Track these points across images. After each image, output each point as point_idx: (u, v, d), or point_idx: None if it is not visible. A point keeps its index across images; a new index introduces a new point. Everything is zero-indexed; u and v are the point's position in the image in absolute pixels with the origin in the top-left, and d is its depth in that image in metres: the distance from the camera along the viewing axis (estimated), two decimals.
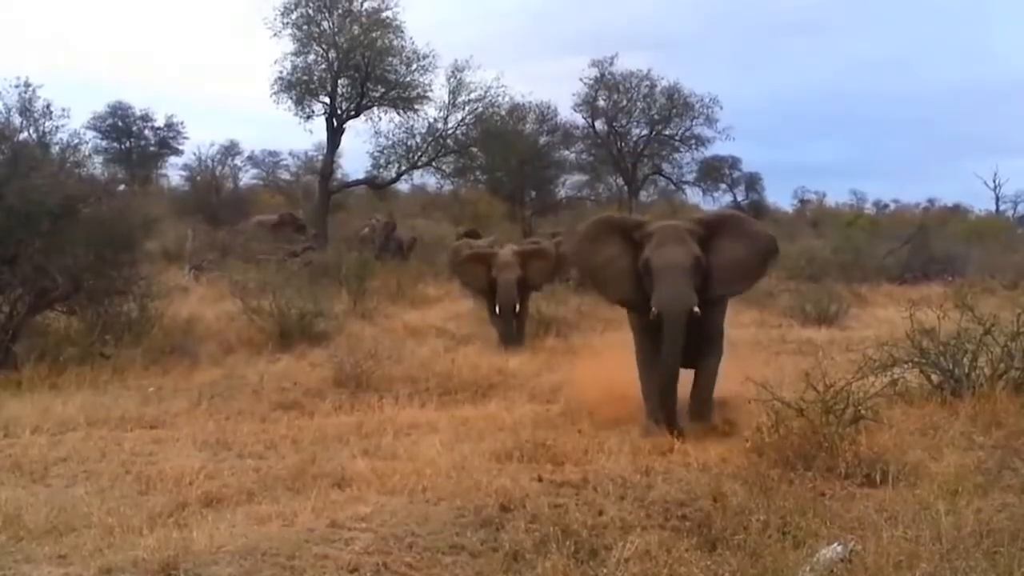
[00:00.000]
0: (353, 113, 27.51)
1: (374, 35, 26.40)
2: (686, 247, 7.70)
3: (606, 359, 9.40)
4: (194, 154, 34.25)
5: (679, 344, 7.49)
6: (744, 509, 5.37)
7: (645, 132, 34.84)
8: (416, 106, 27.74)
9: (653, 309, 7.51)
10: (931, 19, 73.58)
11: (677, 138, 34.91)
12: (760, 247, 8.16)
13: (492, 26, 66.85)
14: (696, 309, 7.43)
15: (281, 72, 26.66)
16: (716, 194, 38.98)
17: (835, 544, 4.81)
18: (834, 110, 70.75)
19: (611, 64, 33.73)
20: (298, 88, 26.75)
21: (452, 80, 28.03)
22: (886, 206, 46.57)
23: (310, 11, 26.47)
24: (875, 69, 72.58)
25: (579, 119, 34.83)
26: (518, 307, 13.30)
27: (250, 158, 37.21)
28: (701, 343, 7.84)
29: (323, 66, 26.76)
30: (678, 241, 7.76)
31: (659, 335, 7.65)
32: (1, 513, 5.44)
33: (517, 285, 13.26)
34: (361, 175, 30.22)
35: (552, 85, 72.36)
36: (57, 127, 25.21)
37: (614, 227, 8.31)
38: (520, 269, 13.40)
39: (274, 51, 44.38)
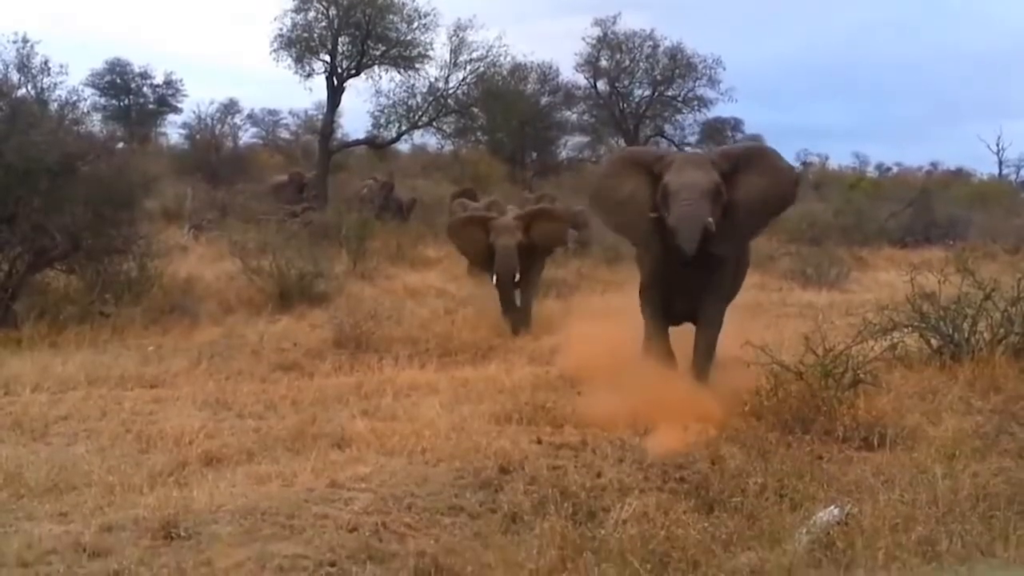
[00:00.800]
0: (353, 72, 27.24)
1: None
2: (706, 171, 7.40)
3: (599, 324, 9.35)
4: (193, 112, 33.90)
5: (687, 262, 7.17)
6: (742, 472, 5.41)
7: (647, 93, 34.53)
8: (417, 65, 27.46)
9: (668, 224, 7.18)
10: None
11: (680, 99, 34.62)
12: (784, 185, 7.87)
13: None
14: (710, 223, 7.10)
15: (281, 29, 26.36)
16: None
17: (832, 507, 4.84)
18: (837, 73, 70.17)
19: (614, 23, 33.39)
20: (298, 46, 26.47)
21: (454, 39, 27.73)
22: (888, 169, 46.34)
23: None
24: (877, 32, 71.92)
25: (581, 79, 34.54)
26: (518, 276, 11.50)
27: (250, 117, 36.88)
28: (709, 292, 7.71)
29: (323, 23, 26.45)
30: (698, 166, 7.53)
31: (669, 281, 7.67)
32: (2, 471, 5.48)
33: (518, 252, 11.44)
34: (361, 135, 30.01)
35: (554, 45, 71.73)
36: (55, 84, 24.96)
37: (635, 161, 8.01)
38: (521, 233, 11.59)
39: (274, 7, 43.93)
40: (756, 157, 7.88)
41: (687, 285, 7.62)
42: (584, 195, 13.29)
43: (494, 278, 11.66)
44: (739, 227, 7.57)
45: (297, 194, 25.12)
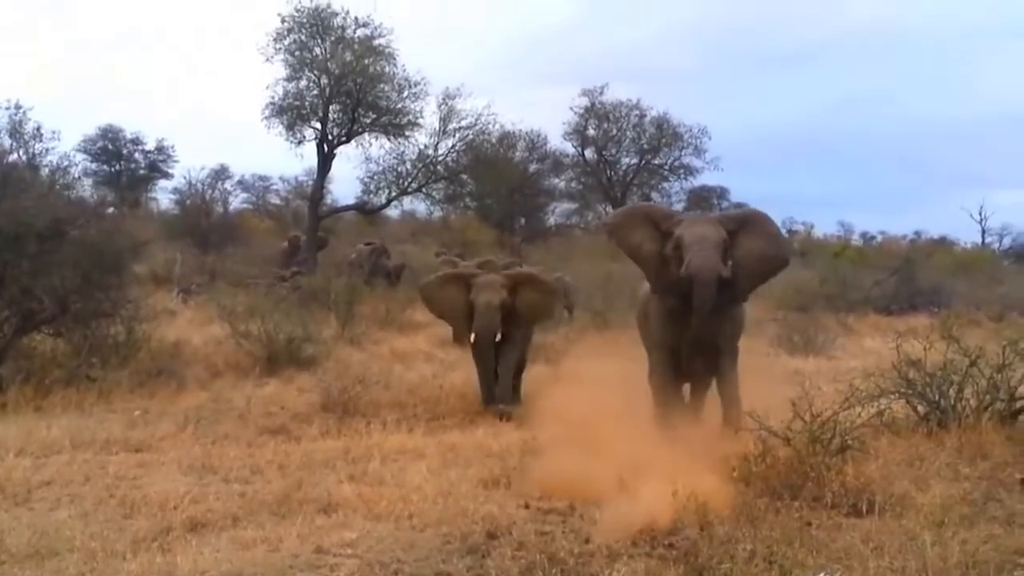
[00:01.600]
0: (344, 139, 27.61)
1: (366, 62, 26.55)
2: (715, 228, 8.05)
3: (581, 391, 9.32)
4: (184, 178, 34.30)
5: (706, 309, 7.68)
6: (730, 538, 5.37)
7: (634, 161, 35.11)
8: (407, 132, 27.87)
9: (684, 274, 7.71)
10: (913, 56, 74.44)
11: (666, 167, 35.19)
12: (781, 247, 8.56)
13: (483, 55, 67.28)
14: (725, 270, 7.74)
15: (273, 97, 26.79)
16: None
17: (821, 574, 4.81)
18: (821, 143, 71.36)
19: (601, 94, 34.10)
20: (289, 113, 26.84)
21: (443, 107, 28.22)
22: (873, 238, 46.91)
23: (303, 37, 26.62)
24: (860, 104, 73.33)
25: (569, 147, 35.19)
26: (499, 336, 10.55)
27: (240, 182, 37.24)
28: (721, 344, 8.13)
29: (315, 92, 26.89)
30: (707, 223, 8.22)
31: (678, 338, 8.06)
32: None
33: (502, 311, 10.57)
34: (351, 200, 30.31)
35: (542, 114, 72.74)
36: (47, 149, 25.30)
37: (645, 215, 8.61)
38: (507, 293, 10.67)
39: (266, 76, 44.59)
40: (756, 221, 8.44)
41: (698, 340, 8.02)
42: (569, 264, 13.28)
43: (472, 337, 10.62)
44: (740, 283, 8.08)
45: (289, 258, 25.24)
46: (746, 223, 8.31)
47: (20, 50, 54.86)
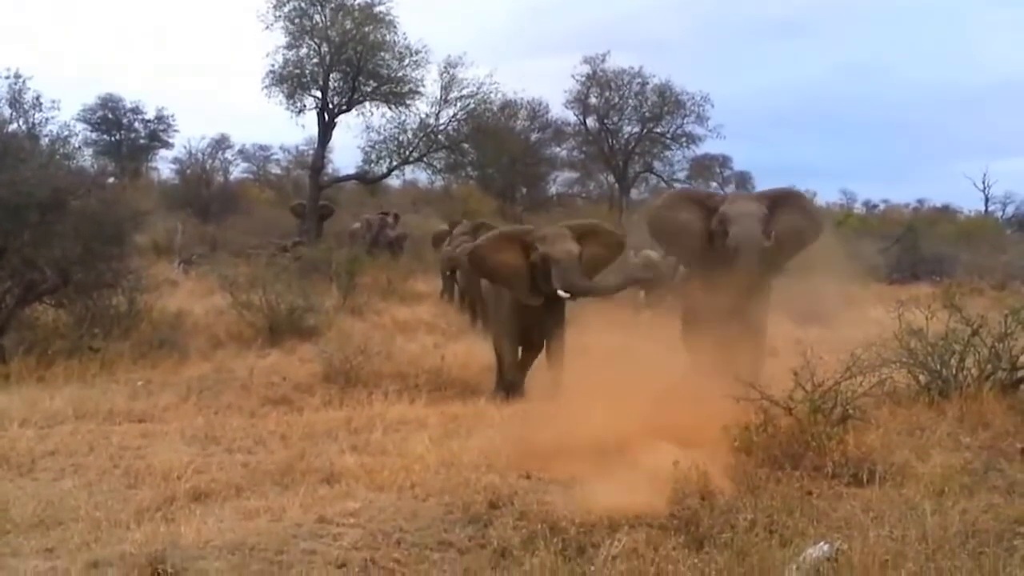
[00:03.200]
0: (345, 108, 27.46)
1: (366, 29, 26.35)
2: (757, 203, 8.84)
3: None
4: (184, 147, 34.20)
5: (751, 278, 8.30)
6: (731, 507, 5.40)
7: (636, 130, 34.86)
8: (408, 101, 27.71)
9: (729, 244, 8.42)
10: (910, 24, 73.83)
11: (668, 136, 34.94)
12: (815, 222, 9.29)
13: (485, 22, 66.76)
14: (766, 241, 8.45)
15: (273, 66, 26.61)
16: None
17: (821, 543, 4.83)
18: (821, 111, 70.72)
19: (603, 61, 33.82)
20: (290, 82, 26.68)
21: (444, 76, 28.04)
22: (876, 206, 46.76)
23: (302, 4, 26.39)
24: (858, 72, 72.73)
25: (571, 116, 34.94)
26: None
27: (241, 152, 37.14)
28: (754, 312, 8.64)
29: (315, 60, 26.70)
30: (749, 199, 9.13)
31: (713, 308, 8.27)
32: None
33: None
34: (352, 170, 30.24)
35: (544, 82, 72.33)
36: (47, 119, 25.08)
37: (689, 196, 9.52)
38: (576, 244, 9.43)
39: (266, 44, 44.26)
40: (792, 198, 9.34)
41: (734, 309, 8.31)
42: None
43: (559, 292, 9.26)
44: (777, 256, 8.77)
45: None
46: (784, 200, 9.07)
47: (17, 20, 54.36)
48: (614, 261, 10.33)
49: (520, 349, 9.84)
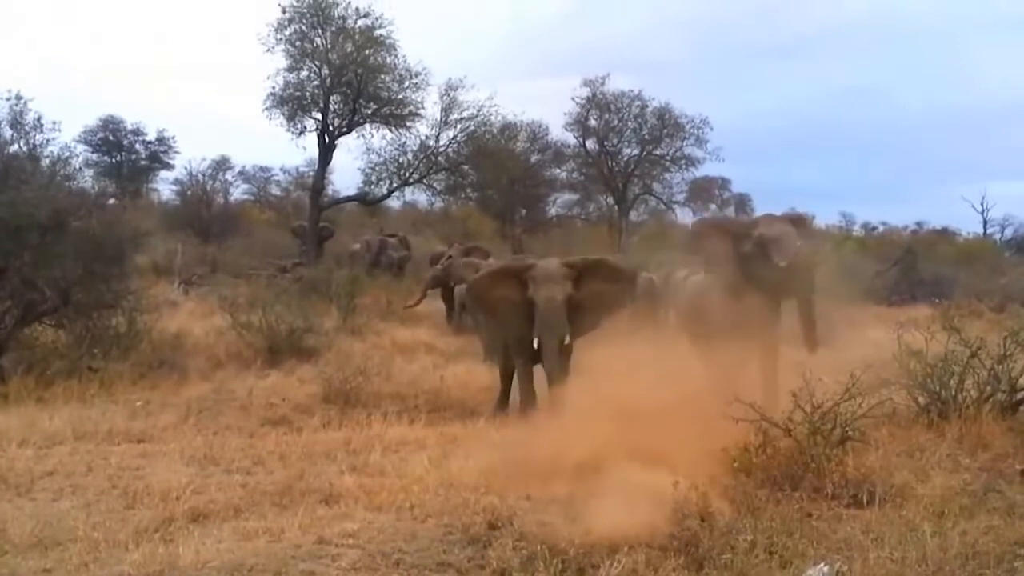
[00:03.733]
0: (345, 129, 27.60)
1: (367, 52, 26.52)
2: (790, 224, 9.16)
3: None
4: (185, 168, 34.24)
5: (802, 295, 8.90)
6: (731, 529, 5.39)
7: (636, 152, 34.97)
8: (408, 123, 27.87)
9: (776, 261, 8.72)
10: (909, 47, 74.27)
11: (667, 158, 35.05)
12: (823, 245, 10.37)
13: (485, 45, 67.11)
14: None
15: (274, 88, 26.77)
16: (706, 214, 39.14)
17: (821, 564, 4.82)
18: (820, 134, 70.96)
19: (602, 84, 33.98)
20: (290, 104, 26.83)
21: (444, 98, 28.21)
22: (874, 228, 46.75)
23: (303, 27, 26.58)
24: (856, 95, 72.85)
25: (570, 138, 35.06)
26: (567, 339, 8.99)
27: (241, 173, 37.13)
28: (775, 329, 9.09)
29: (316, 82, 26.86)
30: (784, 221, 9.24)
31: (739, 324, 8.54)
32: None
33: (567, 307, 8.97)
34: (352, 191, 30.32)
35: (544, 104, 72.57)
36: (48, 140, 24.90)
37: (723, 229, 9.64)
38: (571, 284, 9.07)
39: (267, 67, 44.48)
40: (803, 223, 9.50)
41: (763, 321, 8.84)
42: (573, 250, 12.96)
43: (535, 340, 8.99)
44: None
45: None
46: (800, 222, 9.39)
47: (20, 40, 54.70)
48: (626, 298, 9.42)
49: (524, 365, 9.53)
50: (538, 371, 9.27)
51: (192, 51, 63.69)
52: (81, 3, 64.63)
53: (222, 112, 62.81)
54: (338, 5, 26.63)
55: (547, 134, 35.00)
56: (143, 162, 36.47)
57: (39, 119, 25.30)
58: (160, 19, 64.49)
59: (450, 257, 18.63)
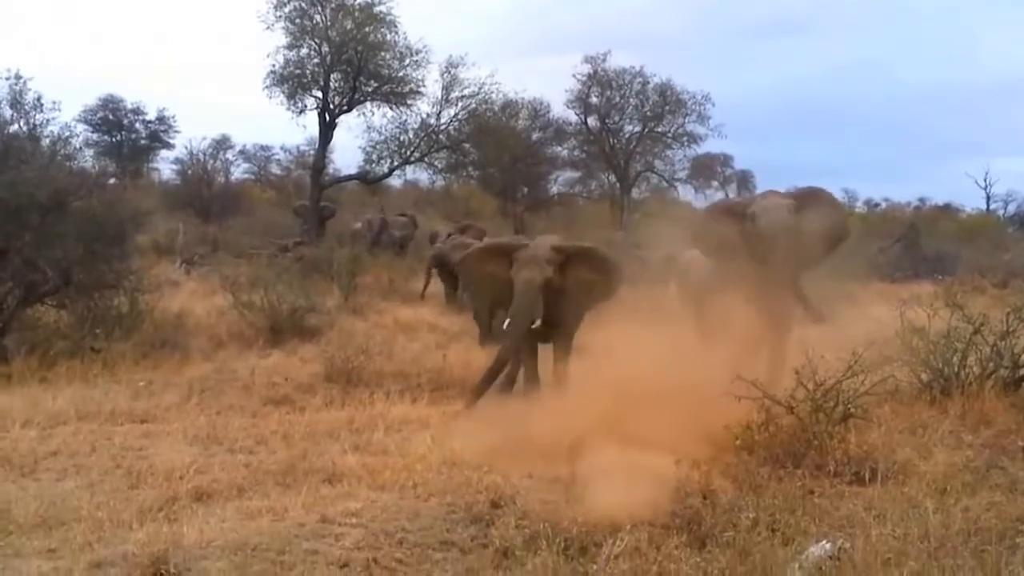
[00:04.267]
0: (345, 108, 27.49)
1: (367, 29, 26.38)
2: (783, 197, 9.17)
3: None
4: (185, 148, 34.18)
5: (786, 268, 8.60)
6: (734, 506, 5.40)
7: (638, 129, 34.87)
8: (409, 101, 27.76)
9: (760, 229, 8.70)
10: (911, 22, 73.81)
11: (669, 135, 34.94)
12: (841, 220, 9.45)
13: (485, 22, 66.74)
14: None
15: (273, 66, 26.65)
16: (708, 191, 39.13)
17: (824, 542, 4.83)
18: (822, 110, 70.75)
19: (604, 61, 33.82)
20: (290, 82, 26.71)
21: (446, 76, 28.09)
22: (877, 205, 46.67)
23: (303, 4, 26.43)
24: (859, 71, 72.59)
25: (572, 116, 34.91)
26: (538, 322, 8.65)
27: (242, 152, 37.06)
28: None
29: (316, 60, 26.74)
30: (776, 195, 9.28)
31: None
32: None
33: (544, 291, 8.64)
34: (353, 170, 30.26)
35: (545, 82, 72.27)
36: (48, 120, 24.80)
37: (730, 209, 9.64)
38: (552, 269, 8.72)
39: (267, 45, 44.28)
40: (817, 197, 9.31)
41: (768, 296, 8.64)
42: (572, 233, 12.87)
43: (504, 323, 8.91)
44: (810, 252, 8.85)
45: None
46: (810, 198, 9.16)
47: (19, 20, 54.44)
48: (612, 289, 9.08)
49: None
50: (545, 351, 9.22)
51: (192, 30, 63.34)
52: (81, 4, 64.14)
53: (222, 91, 62.60)
54: None
55: (548, 112, 34.86)
56: (143, 141, 36.39)
57: (39, 99, 25.20)
58: (160, 19, 63.97)
59: (450, 235, 18.61)
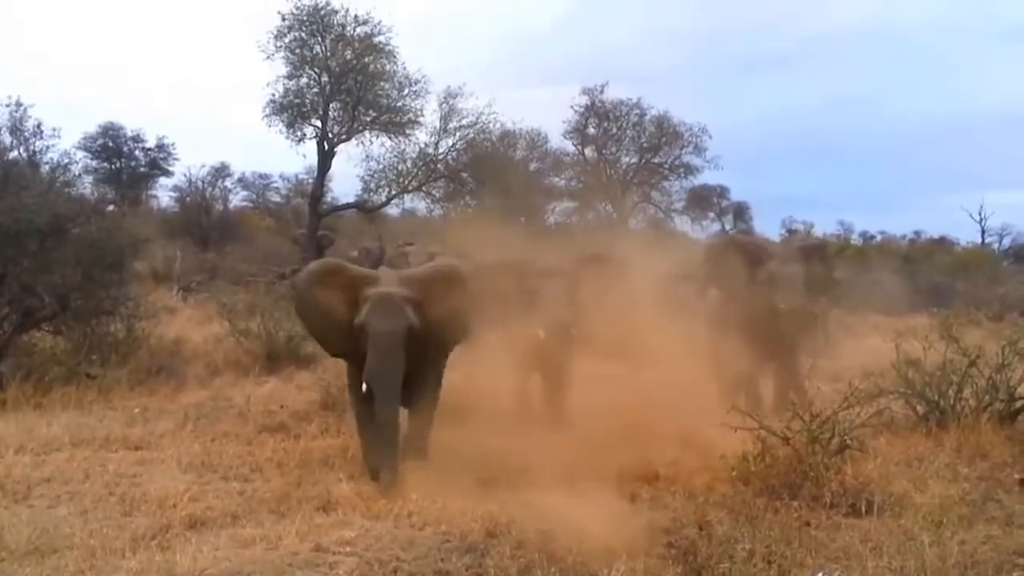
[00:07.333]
0: (344, 137, 27.58)
1: (366, 59, 26.53)
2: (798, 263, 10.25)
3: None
4: (184, 175, 34.24)
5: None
6: (729, 538, 5.38)
7: (634, 160, 34.99)
8: (407, 131, 27.84)
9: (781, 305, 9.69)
10: (902, 57, 74.37)
11: (666, 166, 35.06)
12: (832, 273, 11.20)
13: (484, 53, 67.17)
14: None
15: (273, 95, 26.74)
16: (704, 223, 39.21)
17: (820, 574, 4.82)
18: (818, 143, 70.84)
19: (601, 92, 34.00)
20: (290, 111, 26.81)
21: (444, 106, 28.19)
22: (872, 237, 46.80)
23: (303, 35, 26.57)
24: (846, 106, 72.83)
25: (569, 146, 35.03)
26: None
27: (240, 180, 37.07)
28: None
29: (315, 89, 26.86)
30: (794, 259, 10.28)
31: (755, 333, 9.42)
32: None
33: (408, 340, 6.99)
34: (351, 199, 30.30)
35: (543, 113, 72.51)
36: (47, 147, 25.17)
37: (738, 247, 10.48)
38: (412, 309, 7.08)
39: (266, 74, 44.51)
40: (819, 248, 10.93)
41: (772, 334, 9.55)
42: None
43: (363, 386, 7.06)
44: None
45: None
46: (816, 250, 10.66)
47: (20, 46, 54.73)
48: (462, 308, 7.52)
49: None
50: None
51: (192, 58, 63.67)
52: (81, 7, 64.63)
53: (221, 119, 62.80)
54: (337, 12, 26.68)
55: (546, 142, 34.96)
56: (142, 169, 36.45)
57: (39, 125, 25.48)
58: (159, 24, 64.41)
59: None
